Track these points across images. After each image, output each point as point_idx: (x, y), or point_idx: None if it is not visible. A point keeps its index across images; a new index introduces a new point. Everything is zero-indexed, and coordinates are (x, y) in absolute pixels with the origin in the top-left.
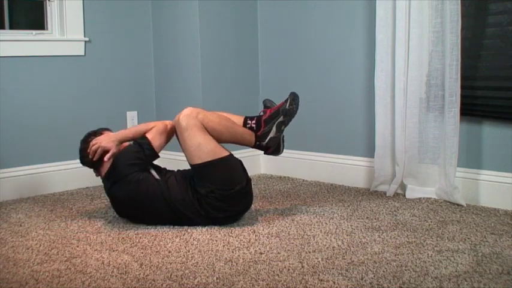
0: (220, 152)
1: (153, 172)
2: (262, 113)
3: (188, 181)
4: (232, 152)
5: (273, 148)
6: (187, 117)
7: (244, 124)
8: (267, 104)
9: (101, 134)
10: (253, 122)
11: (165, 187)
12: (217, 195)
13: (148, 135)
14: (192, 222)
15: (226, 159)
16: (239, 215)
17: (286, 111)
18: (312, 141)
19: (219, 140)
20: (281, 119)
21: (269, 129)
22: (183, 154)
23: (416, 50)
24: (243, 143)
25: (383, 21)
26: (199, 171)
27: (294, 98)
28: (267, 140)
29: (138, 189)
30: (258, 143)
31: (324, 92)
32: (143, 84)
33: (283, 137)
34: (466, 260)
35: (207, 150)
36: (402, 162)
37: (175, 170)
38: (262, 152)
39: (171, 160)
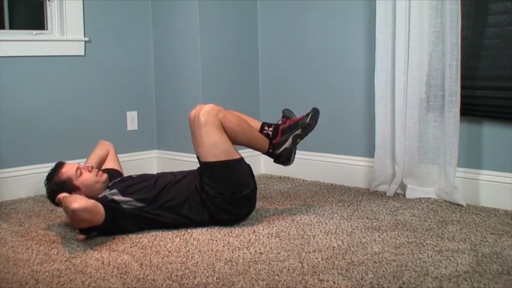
0: (234, 153)
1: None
2: (280, 122)
3: (194, 182)
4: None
5: (284, 158)
6: (207, 113)
7: (261, 130)
8: (285, 114)
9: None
10: (270, 129)
11: (155, 205)
12: (225, 198)
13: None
14: (193, 223)
15: (239, 161)
16: (242, 218)
17: (306, 125)
18: (312, 141)
19: (235, 141)
20: (299, 131)
21: (285, 139)
22: (183, 154)
23: (416, 50)
24: (255, 148)
25: (383, 21)
26: (212, 170)
27: (315, 113)
28: (281, 150)
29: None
30: (270, 150)
31: (324, 92)
32: (143, 84)
33: (295, 148)
34: (466, 260)
35: (222, 149)
36: (402, 162)
37: (175, 172)
38: (273, 160)
39: (171, 160)
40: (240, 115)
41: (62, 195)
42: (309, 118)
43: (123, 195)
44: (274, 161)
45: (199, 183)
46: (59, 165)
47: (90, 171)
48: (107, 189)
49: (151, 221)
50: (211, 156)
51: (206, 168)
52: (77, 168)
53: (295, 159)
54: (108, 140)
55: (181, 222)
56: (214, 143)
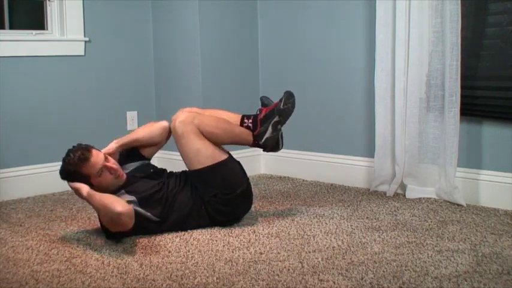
0: (219, 156)
1: (144, 212)
2: (258, 112)
3: (189, 185)
4: (232, 153)
5: (272, 146)
6: (182, 123)
7: (241, 123)
8: (264, 102)
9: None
10: (250, 121)
11: (167, 212)
12: (219, 200)
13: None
14: (196, 225)
15: (226, 162)
16: (241, 216)
17: (281, 111)
18: (312, 141)
19: (217, 142)
20: (276, 118)
21: (265, 129)
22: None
23: (416, 50)
24: (241, 143)
25: (383, 21)
26: (201, 176)
27: (288, 97)
28: (263, 140)
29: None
30: (255, 142)
31: (324, 92)
32: (143, 84)
33: (281, 133)
34: (466, 260)
35: (206, 155)
36: (402, 162)
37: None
38: (262, 150)
39: (171, 160)
40: (218, 113)
41: (86, 190)
42: (282, 103)
43: (141, 206)
44: (263, 151)
45: (195, 189)
46: (86, 157)
47: (111, 173)
48: (122, 190)
49: (162, 227)
50: (197, 164)
51: (195, 176)
52: (101, 168)
53: (297, 160)
54: (108, 140)
55: (191, 226)
56: (196, 151)
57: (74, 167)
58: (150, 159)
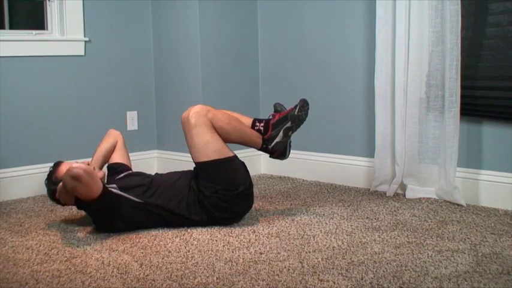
0: (226, 152)
1: (129, 196)
2: (271, 116)
3: (189, 182)
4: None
5: (279, 152)
6: (196, 114)
7: (253, 126)
8: (277, 108)
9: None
10: (262, 124)
11: (152, 203)
12: (220, 196)
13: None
14: (192, 223)
15: (232, 159)
16: (240, 216)
17: (295, 117)
18: (312, 141)
19: (227, 139)
20: (289, 124)
21: (276, 133)
22: (183, 154)
23: (416, 50)
24: (249, 145)
25: (383, 21)
26: (205, 170)
27: (303, 104)
28: (273, 144)
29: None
30: (264, 146)
31: (324, 92)
32: (143, 84)
33: (290, 142)
34: (466, 260)
35: (214, 148)
36: (402, 162)
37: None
38: (268, 155)
39: (171, 160)
40: (231, 113)
41: (59, 185)
42: (297, 110)
43: (121, 191)
44: (270, 156)
45: (196, 184)
46: (57, 165)
47: None
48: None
49: (149, 214)
50: (204, 157)
51: (200, 168)
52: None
53: (297, 160)
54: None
55: (180, 220)
56: (205, 143)
57: (52, 176)
58: (125, 164)
